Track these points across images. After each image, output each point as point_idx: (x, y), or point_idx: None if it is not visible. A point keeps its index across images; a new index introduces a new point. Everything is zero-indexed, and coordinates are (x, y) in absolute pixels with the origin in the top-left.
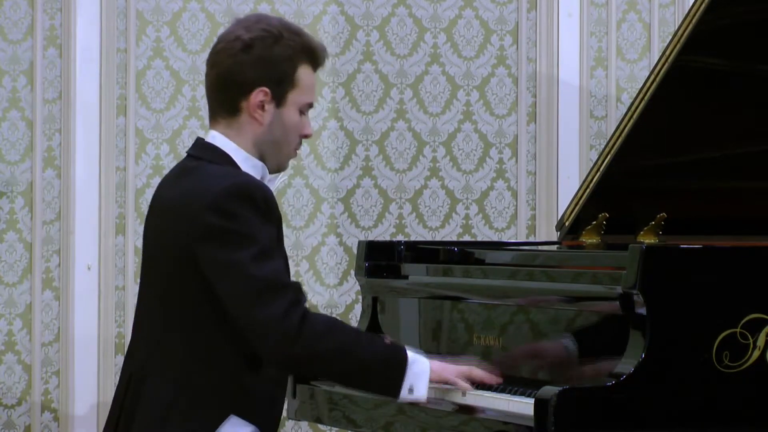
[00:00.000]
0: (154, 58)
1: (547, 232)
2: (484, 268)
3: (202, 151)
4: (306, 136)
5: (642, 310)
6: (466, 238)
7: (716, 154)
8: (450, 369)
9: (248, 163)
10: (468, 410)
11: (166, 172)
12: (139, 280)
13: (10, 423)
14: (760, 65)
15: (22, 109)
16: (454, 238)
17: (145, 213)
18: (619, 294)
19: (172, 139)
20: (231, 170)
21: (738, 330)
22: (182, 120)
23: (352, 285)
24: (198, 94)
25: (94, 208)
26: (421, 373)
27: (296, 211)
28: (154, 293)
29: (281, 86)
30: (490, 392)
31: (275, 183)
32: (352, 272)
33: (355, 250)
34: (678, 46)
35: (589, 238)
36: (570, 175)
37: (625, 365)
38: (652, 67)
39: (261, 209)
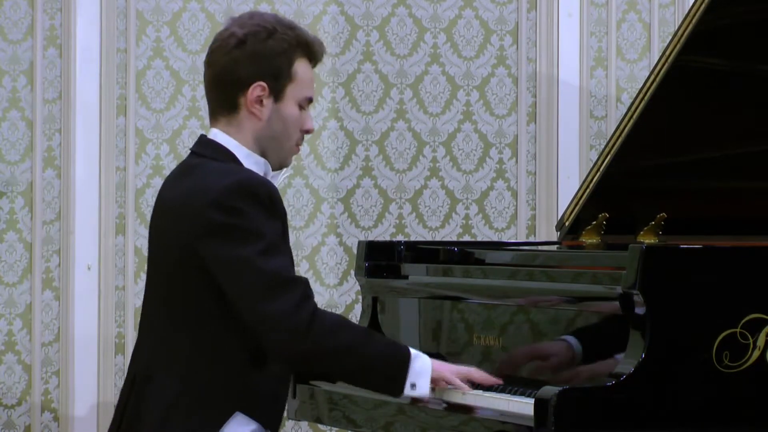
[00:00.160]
0: (154, 58)
1: (547, 232)
2: (484, 268)
3: (204, 148)
4: (307, 132)
5: (642, 310)
6: (466, 238)
7: (716, 154)
8: (449, 368)
9: (251, 160)
10: (468, 410)
11: (166, 172)
12: (139, 280)
13: (10, 423)
14: (760, 65)
15: (22, 109)
16: (454, 238)
17: (145, 213)
18: (619, 294)
19: (172, 139)
20: (233, 167)
21: (738, 330)
22: (182, 120)
23: (352, 285)
24: (198, 94)
25: (94, 208)
26: (423, 370)
27: (296, 211)
28: (158, 293)
29: (278, 80)
30: (490, 392)
31: (278, 179)
32: (352, 272)
33: (355, 250)
34: (678, 46)
35: (589, 238)
36: (570, 175)
37: (625, 365)
38: (652, 67)
39: (265, 205)
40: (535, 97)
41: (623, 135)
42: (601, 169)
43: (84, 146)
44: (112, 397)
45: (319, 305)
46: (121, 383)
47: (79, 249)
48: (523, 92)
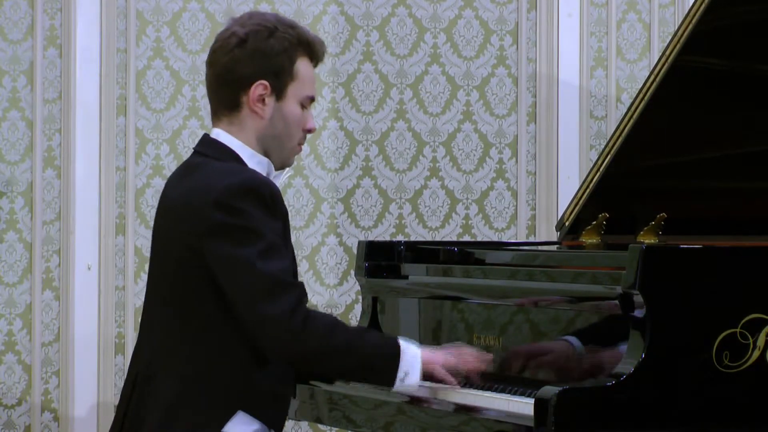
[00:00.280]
0: (154, 58)
1: (547, 232)
2: (484, 268)
3: (207, 147)
4: (309, 131)
5: (642, 310)
6: (466, 238)
7: (716, 154)
8: (438, 360)
9: (254, 160)
10: (468, 410)
11: (166, 172)
12: (139, 280)
13: (10, 423)
14: (760, 65)
15: (22, 109)
16: (454, 238)
17: (145, 213)
18: (619, 294)
19: (172, 139)
20: (236, 167)
21: (738, 330)
22: (182, 120)
23: (352, 285)
24: (198, 94)
25: (94, 208)
26: (413, 360)
27: (296, 211)
28: (160, 291)
29: (280, 79)
30: (489, 392)
31: (280, 179)
32: (352, 272)
33: (355, 250)
34: (678, 46)
35: (589, 238)
36: (570, 175)
37: (625, 365)
38: (652, 68)
39: (267, 205)
40: (535, 97)
41: (623, 135)
42: (601, 169)
43: (84, 146)
44: (112, 397)
45: (319, 305)
46: (121, 383)
47: (79, 249)
48: (523, 92)
